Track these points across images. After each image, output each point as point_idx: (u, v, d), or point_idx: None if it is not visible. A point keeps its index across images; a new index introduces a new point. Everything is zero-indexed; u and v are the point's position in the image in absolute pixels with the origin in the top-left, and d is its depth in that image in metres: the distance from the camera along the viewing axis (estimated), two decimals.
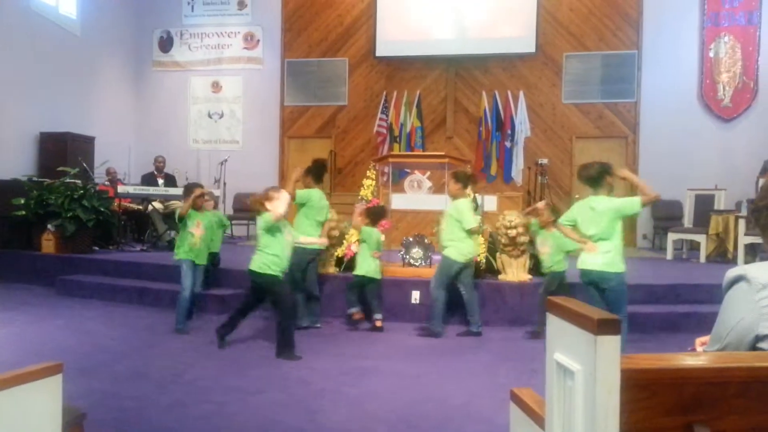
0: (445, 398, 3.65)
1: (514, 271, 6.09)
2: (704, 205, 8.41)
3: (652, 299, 5.85)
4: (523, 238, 6.01)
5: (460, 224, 5.17)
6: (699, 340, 1.77)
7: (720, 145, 9.86)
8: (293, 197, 5.21)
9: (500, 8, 10.51)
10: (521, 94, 10.37)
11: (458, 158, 7.17)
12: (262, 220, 4.55)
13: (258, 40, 11.79)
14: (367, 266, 5.42)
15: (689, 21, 10.13)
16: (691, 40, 10.14)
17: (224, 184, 10.36)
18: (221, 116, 11.91)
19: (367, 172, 6.50)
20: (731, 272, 1.46)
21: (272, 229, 4.54)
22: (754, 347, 1.37)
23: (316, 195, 5.60)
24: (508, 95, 10.52)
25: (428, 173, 7.56)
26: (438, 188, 7.73)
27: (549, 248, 5.22)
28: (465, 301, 5.28)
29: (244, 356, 4.49)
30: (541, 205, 5.63)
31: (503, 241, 6.04)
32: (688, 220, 8.48)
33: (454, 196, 5.41)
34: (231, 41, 11.90)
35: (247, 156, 11.46)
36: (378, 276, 5.49)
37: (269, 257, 4.50)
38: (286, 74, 11.59)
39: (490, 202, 8.81)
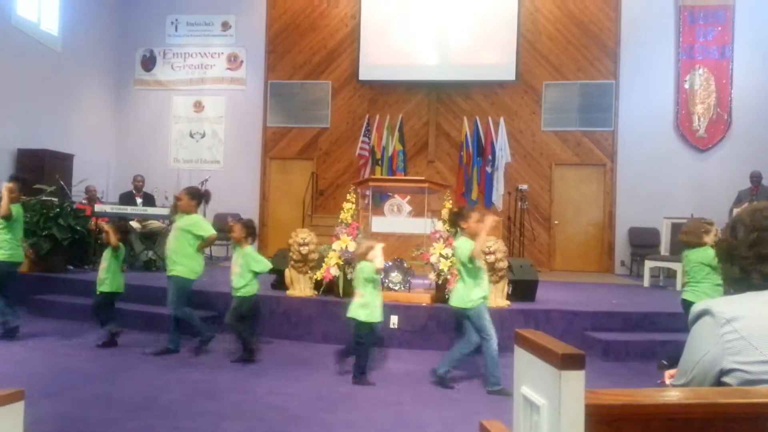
0: (421, 426, 3.62)
1: (493, 297, 6.10)
2: (677, 234, 8.53)
3: (628, 327, 5.89)
4: (502, 264, 6.05)
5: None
6: (668, 373, 1.79)
7: (695, 174, 10.08)
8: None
9: (482, 36, 10.72)
10: (501, 120, 10.53)
11: (438, 183, 7.21)
12: (367, 272, 4.61)
13: (241, 61, 11.83)
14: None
15: (665, 53, 10.42)
16: (667, 71, 10.42)
17: (205, 204, 10.25)
18: (203, 136, 11.87)
19: (348, 195, 6.49)
20: (696, 306, 1.48)
21: (375, 281, 4.68)
22: (719, 381, 1.39)
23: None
24: (489, 121, 10.67)
25: (408, 197, 7.58)
26: (418, 212, 7.74)
27: (239, 268, 5.07)
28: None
29: (217, 380, 4.41)
30: (230, 220, 5.78)
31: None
32: (664, 248, 8.60)
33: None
34: (214, 61, 11.93)
35: (229, 176, 11.41)
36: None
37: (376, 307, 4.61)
38: (269, 95, 11.63)
39: None
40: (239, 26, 11.84)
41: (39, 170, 8.94)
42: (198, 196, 5.40)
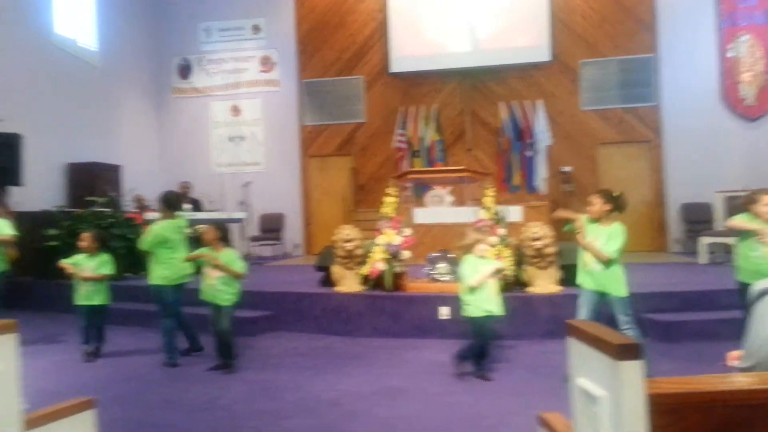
0: (478, 418, 3.63)
1: (543, 283, 6.04)
2: (735, 207, 8.23)
3: (686, 306, 5.73)
4: (550, 249, 5.97)
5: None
6: (730, 355, 1.74)
7: (747, 145, 9.69)
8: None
9: (513, 19, 10.56)
10: (539, 103, 10.34)
11: (477, 171, 7.15)
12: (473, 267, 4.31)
13: (274, 63, 11.98)
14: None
15: (705, 22, 10.02)
16: (709, 41, 10.02)
17: (249, 206, 10.48)
18: (242, 139, 12.10)
19: (387, 189, 6.51)
20: (758, 285, 1.44)
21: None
22: None
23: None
24: (526, 105, 10.50)
25: (449, 187, 7.57)
26: (460, 201, 7.72)
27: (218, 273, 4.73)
28: None
29: (274, 379, 4.52)
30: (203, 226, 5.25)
31: (529, 253, 5.99)
32: (719, 223, 8.31)
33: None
34: (248, 65, 12.11)
35: (270, 177, 11.60)
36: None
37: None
38: (304, 94, 11.74)
39: (516, 213, 8.78)
40: (269, 28, 11.98)
41: (90, 182, 9.30)
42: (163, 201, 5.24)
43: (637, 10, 10.33)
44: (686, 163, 9.82)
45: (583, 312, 4.30)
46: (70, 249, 7.30)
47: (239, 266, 4.75)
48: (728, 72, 9.92)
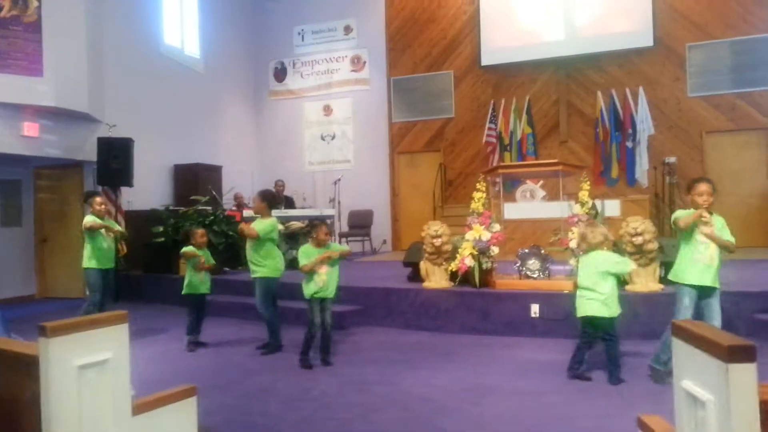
0: (573, 419, 3.48)
1: (643, 281, 5.70)
2: None
3: None
4: (651, 246, 5.63)
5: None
6: None
7: None
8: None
9: (613, 3, 10.05)
10: (641, 90, 9.77)
11: (572, 164, 6.87)
12: (607, 265, 4.15)
13: (364, 62, 12.15)
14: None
15: None
16: None
17: (338, 202, 10.71)
18: (333, 138, 12.38)
19: (477, 184, 6.40)
20: None
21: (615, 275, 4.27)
22: None
23: None
24: (626, 93, 9.96)
25: (541, 182, 7.32)
26: (553, 196, 7.46)
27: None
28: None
29: (365, 372, 4.57)
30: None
31: (629, 249, 5.67)
32: None
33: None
34: (339, 65, 12.38)
35: (359, 174, 11.80)
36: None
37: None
38: (393, 92, 11.82)
39: (613, 207, 8.38)
40: (360, 28, 12.17)
41: (193, 182, 9.90)
42: (268, 199, 5.48)
43: None
44: None
45: (690, 311, 4.01)
46: (175, 245, 7.84)
47: (346, 249, 5.04)
48: None
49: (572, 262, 5.71)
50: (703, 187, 3.93)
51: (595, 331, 4.20)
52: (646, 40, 9.86)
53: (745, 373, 0.95)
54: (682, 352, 1.14)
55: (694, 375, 1.09)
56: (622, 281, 5.74)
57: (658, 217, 9.08)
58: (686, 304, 4.02)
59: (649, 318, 5.47)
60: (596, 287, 4.13)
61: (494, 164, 10.29)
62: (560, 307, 5.51)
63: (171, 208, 8.74)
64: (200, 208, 8.39)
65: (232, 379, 4.51)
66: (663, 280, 5.80)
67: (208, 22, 11.61)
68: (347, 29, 12.34)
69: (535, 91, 10.77)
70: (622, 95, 9.98)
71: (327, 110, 12.48)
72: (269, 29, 12.90)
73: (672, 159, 9.47)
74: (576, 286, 4.31)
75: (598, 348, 4.30)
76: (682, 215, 3.98)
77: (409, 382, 4.30)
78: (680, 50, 9.89)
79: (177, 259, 7.93)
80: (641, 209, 8.57)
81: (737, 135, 9.59)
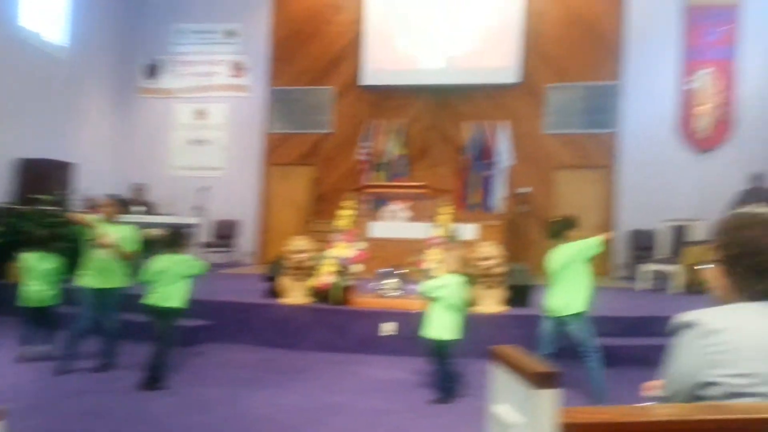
0: None
1: (489, 303, 6.08)
2: (680, 236, 8.45)
3: (623, 331, 5.82)
4: (498, 270, 6.02)
5: None
6: (646, 385, 1.76)
7: (698, 176, 9.92)
8: None
9: (486, 39, 10.72)
10: (504, 123, 10.47)
11: (436, 188, 7.17)
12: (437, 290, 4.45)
13: (245, 69, 11.89)
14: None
15: (670, 54, 10.28)
16: (672, 71, 10.27)
17: (205, 211, 10.30)
18: (205, 143, 11.94)
19: (343, 202, 6.49)
20: (679, 318, 1.45)
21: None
22: (699, 394, 1.37)
23: None
24: (491, 124, 10.61)
25: (408, 203, 7.56)
26: (417, 217, 7.72)
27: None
28: None
29: (209, 393, 4.41)
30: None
31: (477, 272, 6.03)
32: (663, 251, 8.50)
33: None
34: (218, 69, 12.00)
35: (230, 183, 11.46)
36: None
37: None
38: (273, 102, 11.67)
39: (471, 231, 8.86)
40: (244, 34, 11.91)
41: (42, 179, 9.01)
42: (120, 203, 5.29)
43: (607, 37, 10.55)
44: (638, 191, 10.02)
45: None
46: (13, 247, 7.10)
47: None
48: (687, 103, 10.19)
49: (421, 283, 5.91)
50: None
51: (435, 351, 4.38)
52: (513, 77, 10.61)
53: (549, 398, 1.04)
54: (499, 376, 1.22)
55: (507, 399, 1.17)
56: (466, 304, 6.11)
57: (510, 243, 9.65)
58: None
59: (490, 338, 5.83)
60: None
61: (366, 182, 10.52)
62: (412, 327, 5.71)
63: (10, 206, 7.92)
64: (46, 208, 7.68)
65: (55, 399, 4.15)
66: (509, 301, 6.24)
67: (80, 7, 10.75)
68: (231, 33, 12.02)
69: (411, 115, 11.16)
70: (487, 126, 10.63)
71: (200, 114, 12.02)
72: (147, 23, 12.21)
73: (526, 189, 10.23)
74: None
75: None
76: None
77: (254, 401, 4.22)
78: (541, 89, 10.75)
79: (10, 264, 7.20)
80: (496, 234, 9.12)
81: (582, 171, 10.57)
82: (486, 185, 10.47)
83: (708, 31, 10.14)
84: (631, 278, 9.75)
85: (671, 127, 10.23)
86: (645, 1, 10.35)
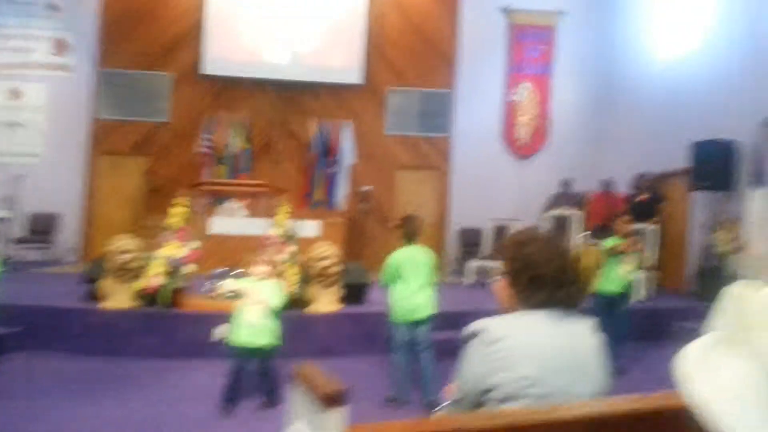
0: None
1: (325, 302, 6.21)
2: (502, 235, 9.30)
3: (449, 325, 6.27)
4: (334, 269, 6.17)
5: None
6: (446, 389, 1.90)
7: (518, 179, 11.01)
8: None
9: (332, 39, 10.84)
10: (348, 122, 10.69)
11: (275, 186, 7.15)
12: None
13: (69, 47, 10.80)
14: None
15: (497, 66, 11.24)
16: (498, 84, 11.25)
17: (18, 202, 9.23)
18: (18, 126, 10.66)
19: (175, 199, 6.21)
20: (470, 326, 1.59)
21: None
22: (485, 397, 1.51)
23: None
24: (336, 123, 10.78)
25: (245, 201, 7.45)
26: (257, 215, 7.62)
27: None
28: None
29: (12, 409, 4.00)
30: None
31: (314, 272, 6.13)
32: (488, 248, 9.30)
33: None
34: (37, 45, 10.76)
35: (48, 172, 10.35)
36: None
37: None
38: (102, 85, 10.75)
39: (314, 228, 8.96)
40: (69, 9, 10.79)
41: None
42: None
43: (442, 46, 11.22)
44: (467, 192, 10.86)
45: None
46: None
47: None
48: (510, 113, 11.23)
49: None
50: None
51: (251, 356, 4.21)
52: (357, 78, 10.88)
53: (336, 416, 1.09)
54: (296, 394, 1.27)
55: (302, 416, 1.22)
56: (306, 302, 6.20)
57: (350, 240, 9.93)
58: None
59: (327, 336, 5.99)
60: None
61: (207, 176, 10.14)
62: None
63: None
64: None
65: None
66: (345, 299, 6.43)
67: None
68: (52, 7, 10.81)
69: (255, 108, 10.94)
70: (332, 124, 10.79)
71: (15, 94, 10.70)
72: None
73: (367, 188, 10.57)
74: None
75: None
76: None
77: (68, 416, 3.91)
78: (383, 91, 11.14)
79: None
80: (338, 231, 9.33)
81: (419, 172, 11.19)
82: (330, 183, 10.63)
83: (528, 48, 11.25)
84: (460, 273, 10.54)
85: (497, 134, 11.21)
86: (475, 16, 11.18)
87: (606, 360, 1.62)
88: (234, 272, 6.19)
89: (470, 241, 10.38)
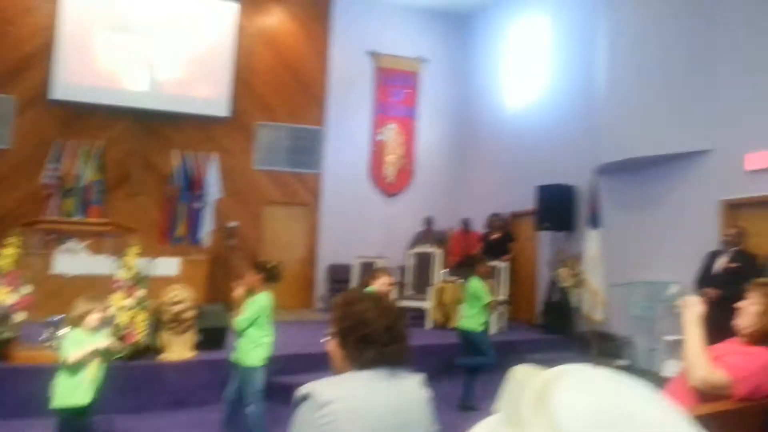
0: None
1: (179, 349, 5.87)
2: (368, 271, 9.45)
3: (311, 367, 6.17)
4: (189, 314, 5.88)
5: None
6: None
7: (385, 217, 11.31)
8: None
9: (196, 69, 10.53)
10: (214, 156, 10.37)
11: (123, 225, 6.69)
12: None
13: None
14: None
15: (364, 107, 11.57)
16: (365, 123, 11.56)
17: None
18: None
19: (6, 239, 5.60)
20: (300, 390, 1.54)
21: None
22: None
23: None
24: (200, 156, 10.41)
25: (89, 240, 6.86)
26: (103, 256, 7.05)
27: None
28: None
29: None
30: None
31: (166, 317, 5.79)
32: (354, 284, 9.38)
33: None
34: None
35: None
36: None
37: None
38: None
39: (172, 266, 8.49)
40: None
41: None
42: None
43: (312, 85, 11.33)
44: (336, 229, 10.96)
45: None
46: None
47: None
48: (377, 153, 11.56)
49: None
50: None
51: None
52: (223, 111, 10.62)
53: None
54: None
55: None
56: (157, 350, 5.81)
57: (213, 279, 9.53)
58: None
59: (180, 386, 5.64)
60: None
61: (54, 209, 9.32)
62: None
63: None
64: None
65: None
66: (201, 345, 6.12)
67: None
68: None
69: (110, 137, 10.26)
70: (196, 157, 10.40)
71: None
72: None
73: (234, 223, 10.27)
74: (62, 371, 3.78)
75: None
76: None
77: None
78: (251, 126, 10.98)
79: None
80: (200, 269, 8.93)
81: (288, 208, 11.10)
82: (193, 218, 10.19)
83: (394, 91, 11.73)
84: (327, 310, 10.51)
85: (365, 172, 11.47)
86: (344, 58, 11.47)
87: (433, 415, 1.68)
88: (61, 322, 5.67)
89: (339, 278, 10.41)
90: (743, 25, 6.23)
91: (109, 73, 10.20)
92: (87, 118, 10.19)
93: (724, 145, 6.32)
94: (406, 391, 1.63)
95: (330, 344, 1.74)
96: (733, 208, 6.25)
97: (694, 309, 2.27)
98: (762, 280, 2.33)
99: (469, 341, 5.84)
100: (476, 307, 5.81)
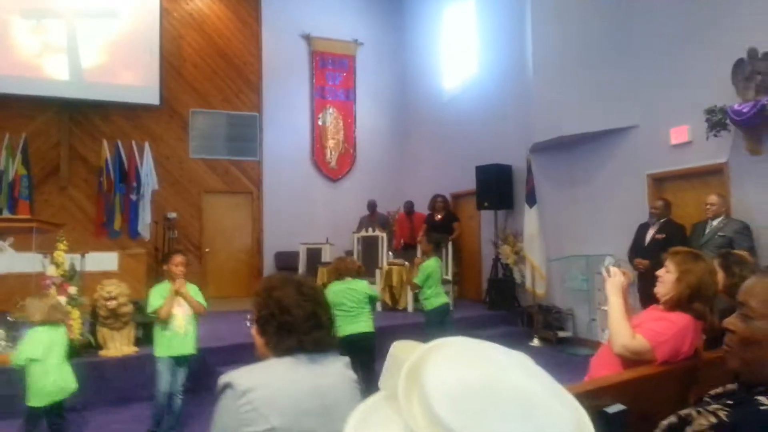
0: None
1: (117, 345, 5.69)
2: (314, 257, 9.41)
3: (232, 360, 6.09)
4: (126, 309, 5.69)
5: None
6: None
7: (329, 201, 11.25)
8: None
9: (120, 55, 10.07)
10: (146, 145, 10.00)
11: (49, 222, 6.38)
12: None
13: None
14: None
15: (302, 92, 11.40)
16: (304, 108, 11.41)
17: None
18: None
19: None
20: (221, 378, 1.52)
21: None
22: None
23: None
24: (132, 145, 10.01)
25: (11, 239, 6.51)
26: (28, 250, 6.73)
27: None
28: None
29: None
30: None
31: (103, 313, 5.59)
32: (302, 271, 9.32)
33: None
34: None
35: None
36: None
37: None
38: None
39: (111, 261, 8.21)
40: None
41: None
42: None
43: (246, 70, 11.07)
44: (281, 215, 10.82)
45: (168, 378, 4.45)
46: None
47: None
48: (318, 137, 11.44)
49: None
50: (178, 258, 4.38)
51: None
52: (153, 98, 10.20)
53: None
54: None
55: None
56: (96, 347, 5.63)
57: (156, 271, 9.26)
58: (166, 377, 4.35)
59: (123, 382, 5.48)
60: None
61: None
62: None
63: None
64: None
65: None
66: (139, 341, 5.94)
67: None
68: None
69: (34, 130, 9.73)
70: (128, 147, 9.99)
71: None
72: None
73: (173, 214, 9.98)
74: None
75: None
76: (157, 304, 4.19)
77: None
78: (184, 113, 10.64)
79: None
80: (139, 263, 8.65)
81: (229, 197, 10.87)
82: (130, 210, 9.83)
83: (330, 75, 11.61)
84: None
85: (307, 157, 11.35)
86: (277, 42, 11.24)
87: (360, 396, 1.68)
88: (6, 319, 5.44)
89: (286, 265, 10.30)
90: (664, 5, 6.48)
91: (28, 61, 9.63)
92: (7, 109, 9.62)
93: (649, 121, 6.59)
94: (329, 374, 1.62)
95: (253, 331, 1.73)
96: (659, 181, 6.55)
97: (615, 279, 2.38)
98: (676, 249, 2.45)
99: (438, 321, 5.88)
100: (434, 286, 5.88)
